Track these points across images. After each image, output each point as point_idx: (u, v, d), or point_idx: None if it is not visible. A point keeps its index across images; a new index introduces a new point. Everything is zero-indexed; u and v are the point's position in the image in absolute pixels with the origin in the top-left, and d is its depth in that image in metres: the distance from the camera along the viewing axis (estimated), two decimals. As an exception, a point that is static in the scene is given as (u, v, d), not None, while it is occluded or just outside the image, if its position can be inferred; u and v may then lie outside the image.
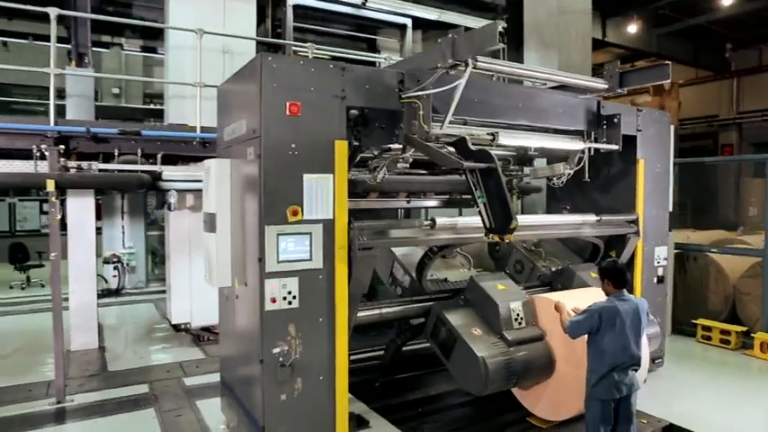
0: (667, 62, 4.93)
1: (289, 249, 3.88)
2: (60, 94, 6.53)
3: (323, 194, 4.01)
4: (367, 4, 8.15)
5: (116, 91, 11.09)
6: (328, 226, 4.03)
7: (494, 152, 5.52)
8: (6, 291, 11.72)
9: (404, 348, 5.82)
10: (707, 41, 21.22)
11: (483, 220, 4.11)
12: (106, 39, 10.17)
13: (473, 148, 4.22)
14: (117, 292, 11.36)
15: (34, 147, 5.34)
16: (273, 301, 3.82)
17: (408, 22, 8.80)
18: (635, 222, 5.94)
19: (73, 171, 5.40)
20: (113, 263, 11.53)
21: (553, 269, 5.77)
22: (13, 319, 9.30)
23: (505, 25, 9.51)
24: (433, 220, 4.50)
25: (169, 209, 6.31)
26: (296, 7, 7.86)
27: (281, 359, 3.86)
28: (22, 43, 10.85)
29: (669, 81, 5.02)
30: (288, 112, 3.88)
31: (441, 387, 5.92)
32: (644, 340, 4.40)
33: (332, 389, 4.10)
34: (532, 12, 9.63)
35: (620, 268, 4.13)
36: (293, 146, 3.90)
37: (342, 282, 4.09)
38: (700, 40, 21.30)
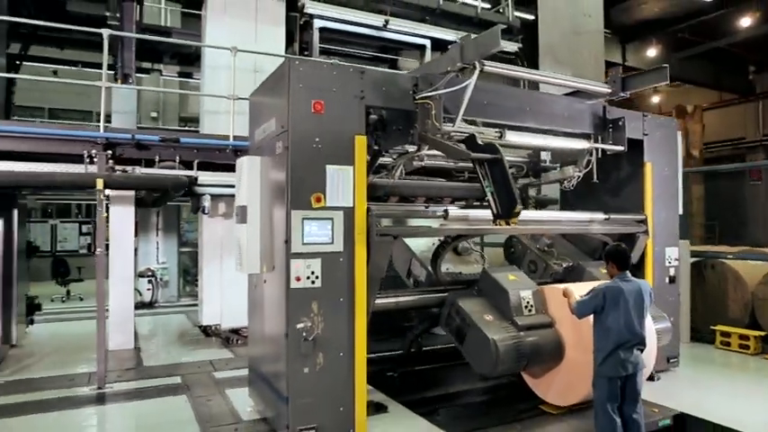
0: (665, 65, 5.25)
1: (312, 233, 4.27)
2: (107, 119, 7.14)
3: (344, 184, 4.41)
4: (388, 27, 8.71)
5: (154, 114, 11.86)
6: (348, 213, 4.41)
7: (507, 158, 5.92)
8: (48, 303, 12.33)
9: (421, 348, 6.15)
10: (729, 64, 21.28)
11: (491, 208, 4.44)
12: (146, 65, 10.98)
13: (481, 143, 4.59)
14: (150, 305, 11.87)
15: (85, 152, 5.94)
16: (298, 279, 4.20)
17: (427, 43, 9.31)
18: (644, 222, 6.16)
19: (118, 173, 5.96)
20: (148, 277, 12.10)
21: (564, 265, 6.02)
22: (54, 325, 9.83)
23: (520, 45, 9.93)
24: (446, 211, 4.85)
25: (203, 212, 6.80)
26: (322, 30, 8.46)
27: (304, 334, 4.20)
28: (71, 71, 11.77)
29: (667, 82, 5.32)
30: (312, 110, 4.33)
31: (456, 382, 6.18)
32: (648, 322, 4.62)
33: (351, 365, 4.41)
34: (547, 33, 10.07)
35: (623, 251, 4.41)
36: (317, 140, 4.33)
37: (361, 264, 4.44)
38: (721, 64, 21.38)
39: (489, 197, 4.45)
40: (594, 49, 9.78)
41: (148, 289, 12.04)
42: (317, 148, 4.32)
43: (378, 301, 5.03)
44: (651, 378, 6.10)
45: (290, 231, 4.19)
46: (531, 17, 11.89)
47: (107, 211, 5.85)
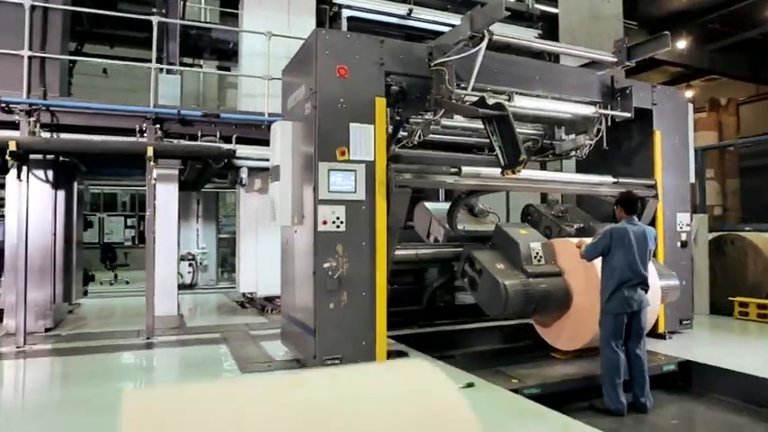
0: (666, 32, 5.57)
1: (337, 182, 4.78)
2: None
3: (365, 140, 4.91)
4: (411, 15, 9.22)
5: (194, 107, 12.65)
6: (370, 166, 4.91)
7: (524, 130, 6.31)
8: (97, 286, 13.26)
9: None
10: (766, 56, 20.90)
11: (499, 161, 4.87)
12: (188, 60, 11.76)
13: (490, 103, 5.03)
14: (191, 287, 12.61)
15: (137, 126, 6.65)
16: (324, 223, 4.71)
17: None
18: (653, 187, 6.45)
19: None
20: (188, 260, 12.85)
21: (575, 226, 6.36)
22: (104, 300, 10.66)
23: (540, 32, 10.25)
24: (460, 168, 5.29)
25: (241, 184, 7.42)
26: (350, 19, 9.02)
27: (330, 273, 4.70)
28: (120, 70, 12.77)
29: (669, 48, 5.63)
30: (337, 74, 4.85)
31: (475, 343, 6.61)
32: (652, 270, 4.95)
33: (372, 303, 4.89)
34: (566, 19, 10.39)
35: (631, 196, 4.78)
36: (342, 101, 4.85)
37: (381, 213, 4.93)
38: (758, 55, 20.99)
39: (497, 151, 4.88)
40: (613, 33, 10.01)
41: (189, 272, 12.77)
42: (341, 108, 4.84)
43: (399, 252, 5.51)
44: (663, 337, 6.40)
45: (318, 180, 4.71)
46: (555, 10, 12.22)
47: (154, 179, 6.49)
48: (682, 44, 19.33)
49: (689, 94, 24.27)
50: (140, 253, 14.13)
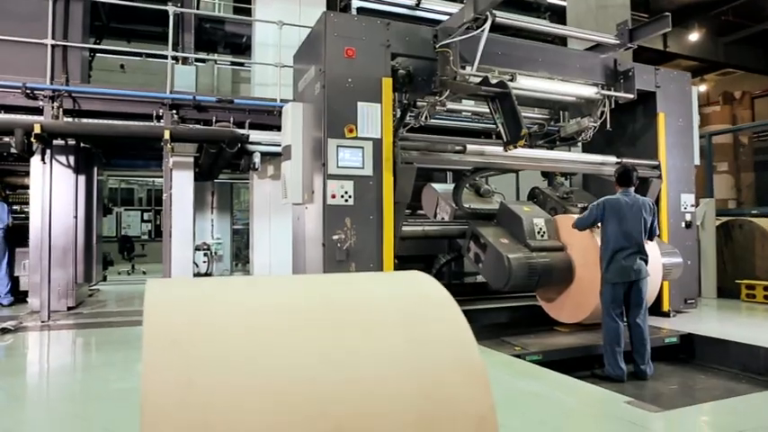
0: (667, 13, 5.68)
1: (346, 158, 4.98)
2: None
3: (373, 119, 5.10)
4: (420, 6, 9.41)
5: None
6: (377, 143, 5.10)
7: (529, 114, 6.46)
8: (115, 275, 13.62)
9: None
10: (782, 48, 20.70)
11: (502, 137, 5.04)
12: (202, 54, 12.07)
13: (493, 82, 5.19)
14: (206, 275, 12.90)
15: (154, 111, 6.92)
16: (333, 196, 4.91)
17: (458, 22, 9.86)
18: (657, 168, 6.55)
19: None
20: (203, 250, 13.15)
21: (579, 206, 6.48)
22: (122, 286, 10.99)
23: (548, 22, 10.34)
24: (464, 145, 5.46)
25: (253, 168, 7.64)
26: (359, 10, 9.22)
27: (338, 244, 4.90)
28: (137, 66, 13.12)
29: (669, 29, 5.74)
30: (345, 55, 5.05)
31: (483, 319, 6.76)
32: (654, 244, 5.07)
33: (380, 275, 5.07)
34: (574, 8, 10.49)
35: (625, 169, 4.90)
36: (349, 80, 5.05)
37: (388, 188, 5.12)
38: (773, 48, 20.82)
39: (500, 127, 5.04)
40: (620, 22, 10.08)
41: (204, 261, 13.08)
42: (349, 87, 5.04)
43: (407, 228, 5.69)
44: (667, 315, 6.51)
45: (327, 156, 4.91)
46: (563, 3, 12.32)
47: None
48: (694, 37, 19.25)
49: (702, 88, 24.13)
50: (157, 246, 14.46)
